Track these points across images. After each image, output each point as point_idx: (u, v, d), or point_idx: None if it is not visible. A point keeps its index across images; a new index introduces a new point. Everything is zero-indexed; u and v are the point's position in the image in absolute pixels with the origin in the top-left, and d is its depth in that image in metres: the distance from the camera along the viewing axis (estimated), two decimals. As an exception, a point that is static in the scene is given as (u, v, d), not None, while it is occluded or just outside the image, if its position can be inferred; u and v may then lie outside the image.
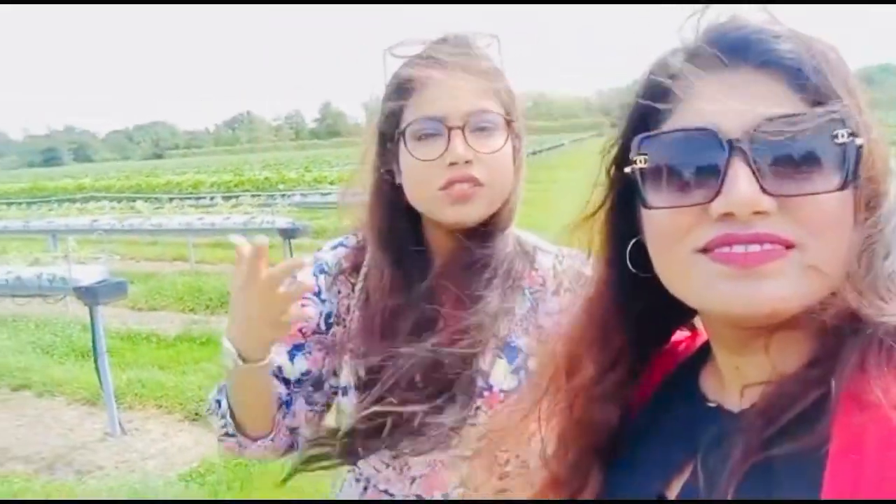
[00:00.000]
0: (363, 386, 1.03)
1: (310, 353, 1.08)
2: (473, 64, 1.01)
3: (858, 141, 0.51)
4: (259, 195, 12.54)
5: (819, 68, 0.52)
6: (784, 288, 0.50)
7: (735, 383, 0.59)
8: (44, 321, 6.55)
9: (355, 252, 1.11)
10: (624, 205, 0.61)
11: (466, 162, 0.98)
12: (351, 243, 1.13)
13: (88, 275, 4.18)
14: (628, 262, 0.62)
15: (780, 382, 0.53)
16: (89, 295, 4.01)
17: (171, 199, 11.74)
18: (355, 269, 1.10)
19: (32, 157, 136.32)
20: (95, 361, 4.04)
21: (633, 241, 0.61)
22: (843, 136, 0.50)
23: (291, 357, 1.08)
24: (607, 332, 0.66)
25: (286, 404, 1.06)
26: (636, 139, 0.57)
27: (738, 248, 0.51)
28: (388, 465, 1.06)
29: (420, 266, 1.05)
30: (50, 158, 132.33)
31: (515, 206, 1.08)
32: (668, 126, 0.56)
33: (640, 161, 0.56)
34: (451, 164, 0.98)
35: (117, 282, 4.14)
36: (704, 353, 0.66)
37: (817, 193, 0.50)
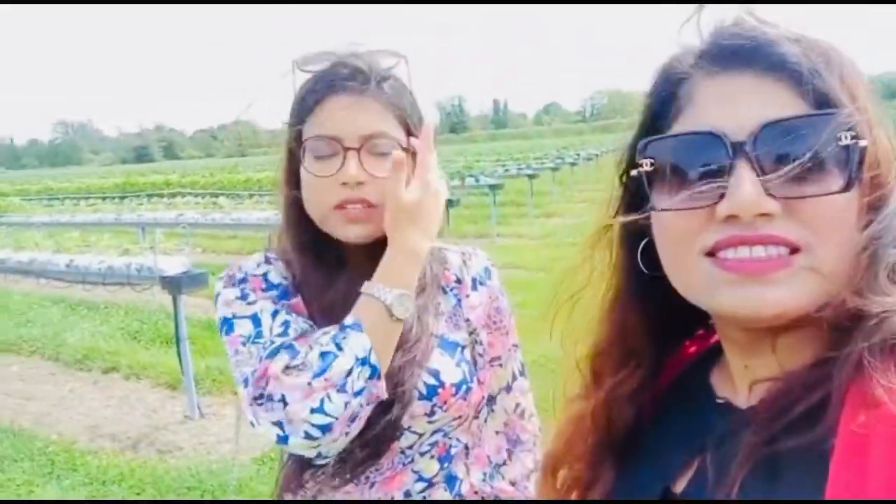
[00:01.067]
0: None
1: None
2: (375, 86, 1.02)
3: (862, 143, 0.51)
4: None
5: (823, 71, 0.52)
6: (788, 293, 0.51)
7: (744, 381, 0.60)
8: (132, 308, 6.94)
9: (282, 265, 1.08)
10: (636, 208, 0.62)
11: (359, 183, 0.99)
12: (272, 257, 1.10)
13: (173, 266, 4.43)
14: (640, 263, 0.63)
15: (787, 379, 0.53)
16: (173, 285, 4.24)
17: (250, 196, 12.19)
18: (283, 280, 1.07)
19: (125, 153, 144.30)
20: (177, 347, 4.27)
21: (644, 241, 0.62)
22: (846, 138, 0.50)
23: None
24: (626, 334, 0.67)
25: None
26: (642, 143, 0.58)
27: (743, 250, 0.52)
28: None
29: (341, 277, 1.05)
30: (141, 155, 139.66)
31: None
32: (674, 129, 0.57)
33: (646, 164, 0.57)
34: (344, 184, 0.99)
35: (199, 273, 4.35)
36: (717, 351, 0.66)
37: (822, 195, 0.50)
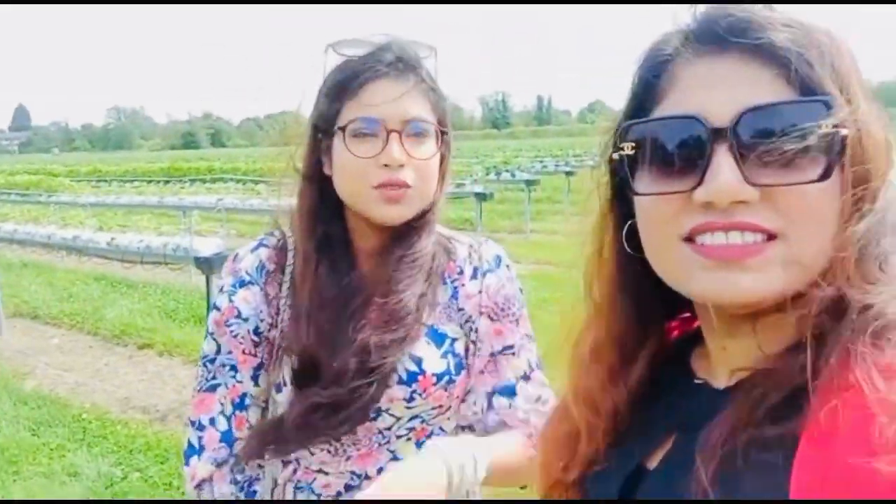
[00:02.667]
0: (297, 378, 1.04)
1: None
2: (414, 72, 1.06)
3: (844, 132, 0.50)
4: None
5: (810, 57, 0.51)
6: (762, 281, 0.51)
7: (722, 363, 0.60)
8: (169, 288, 7.13)
9: (277, 252, 1.11)
10: (622, 191, 0.62)
11: (400, 165, 1.02)
12: (271, 243, 1.13)
13: (207, 247, 4.56)
14: (625, 244, 0.63)
15: (766, 364, 0.53)
16: (206, 265, 4.35)
17: (279, 184, 12.38)
18: (281, 268, 1.10)
19: (174, 140, 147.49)
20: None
21: (629, 223, 0.62)
22: (828, 126, 0.50)
23: (256, 378, 1.09)
24: (615, 314, 0.67)
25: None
26: (624, 125, 0.58)
27: (719, 236, 0.51)
28: (322, 449, 1.08)
29: (346, 258, 1.08)
30: (189, 142, 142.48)
31: (439, 209, 1.13)
32: (658, 112, 0.57)
33: (628, 148, 0.57)
34: (386, 165, 1.02)
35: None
36: (698, 333, 0.66)
37: (799, 184, 0.50)
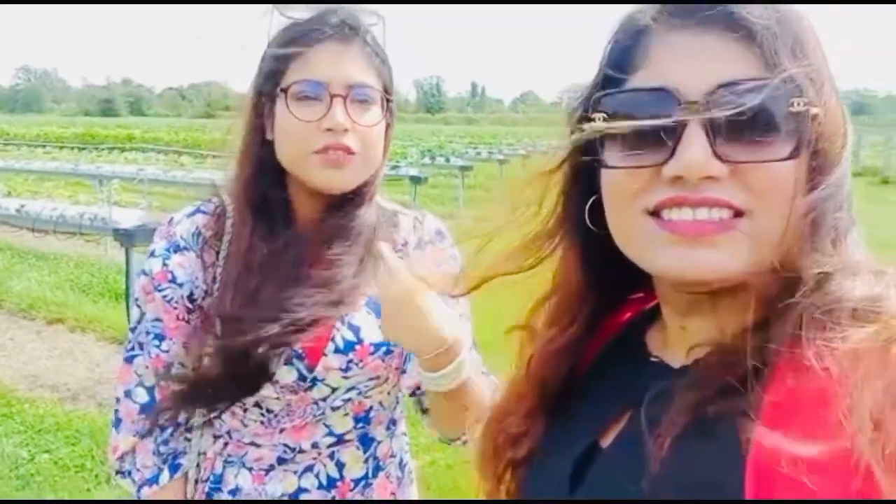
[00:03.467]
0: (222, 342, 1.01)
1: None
2: (360, 38, 1.04)
3: (814, 110, 0.50)
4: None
5: (784, 35, 0.51)
6: (728, 257, 0.51)
7: (679, 342, 0.60)
8: (83, 261, 6.77)
9: (215, 219, 1.08)
10: (585, 163, 0.61)
11: (344, 130, 1.00)
12: (209, 209, 1.10)
13: (127, 218, 4.32)
14: (587, 220, 0.62)
15: (723, 343, 0.54)
16: (126, 237, 4.13)
17: (215, 157, 11.97)
18: (217, 236, 1.07)
19: (89, 105, 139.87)
20: (127, 301, 4.18)
21: (592, 199, 0.61)
22: (798, 104, 0.50)
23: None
24: (569, 288, 0.66)
25: None
26: (596, 95, 0.57)
27: (686, 212, 0.51)
28: (255, 420, 1.06)
29: (284, 225, 1.05)
30: (106, 109, 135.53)
31: (379, 179, 1.11)
32: (630, 84, 0.56)
33: (598, 119, 0.56)
34: (328, 129, 0.99)
35: (154, 227, 4.25)
36: (654, 312, 0.66)
37: (769, 161, 0.50)
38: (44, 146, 16.72)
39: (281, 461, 1.08)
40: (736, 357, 0.51)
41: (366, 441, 1.12)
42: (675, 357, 0.60)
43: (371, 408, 1.11)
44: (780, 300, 0.50)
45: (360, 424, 1.10)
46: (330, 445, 1.09)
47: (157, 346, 1.07)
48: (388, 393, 1.12)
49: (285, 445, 1.07)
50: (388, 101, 1.07)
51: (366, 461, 1.12)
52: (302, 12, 1.05)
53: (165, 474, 1.08)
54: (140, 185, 7.70)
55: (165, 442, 1.09)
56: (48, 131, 25.87)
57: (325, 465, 1.10)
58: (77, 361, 4.52)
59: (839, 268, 0.50)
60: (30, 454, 3.27)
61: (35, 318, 5.30)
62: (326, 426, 1.08)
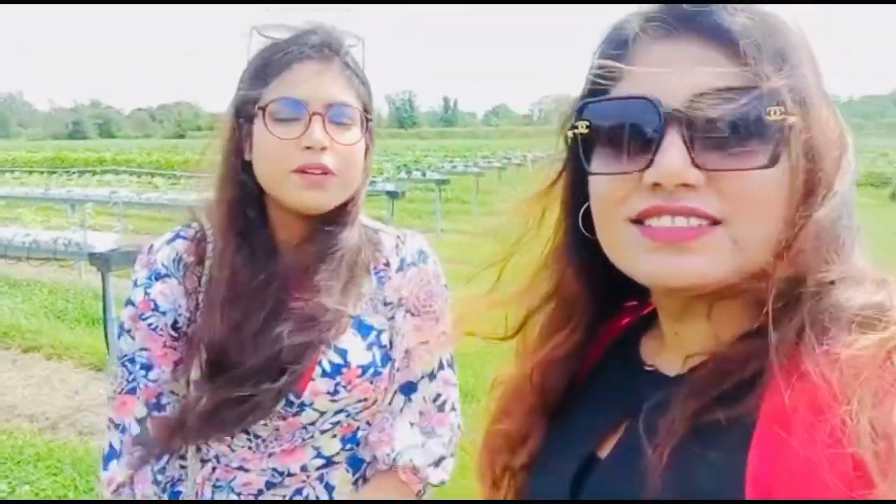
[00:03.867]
0: (207, 370, 1.01)
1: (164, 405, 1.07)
2: (339, 57, 1.04)
3: (791, 120, 0.51)
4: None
5: (765, 45, 0.52)
6: (706, 263, 0.52)
7: (674, 349, 0.61)
8: (57, 287, 6.65)
9: (196, 244, 1.07)
10: (578, 169, 0.62)
11: (322, 148, 1.00)
12: (189, 234, 1.09)
13: (103, 242, 4.26)
14: (581, 226, 0.63)
15: (719, 350, 0.54)
16: (102, 261, 4.07)
17: (189, 177, 11.86)
18: (200, 261, 1.06)
19: (57, 128, 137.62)
20: (105, 326, 4.11)
21: (585, 206, 0.62)
22: (775, 113, 0.50)
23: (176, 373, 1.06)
24: (568, 295, 0.67)
25: None
26: (580, 104, 0.58)
27: (666, 220, 0.52)
28: (243, 446, 1.05)
29: (265, 248, 1.04)
30: (74, 132, 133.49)
31: (362, 199, 1.11)
32: (614, 92, 0.57)
33: (582, 127, 0.57)
34: (307, 147, 0.99)
35: (130, 250, 4.19)
36: (648, 320, 0.67)
37: (744, 170, 0.51)
38: (12, 171, 16.41)
39: (270, 485, 1.06)
40: (732, 365, 0.52)
41: (355, 462, 1.11)
42: (670, 364, 0.60)
43: (359, 429, 1.10)
44: (777, 307, 0.50)
45: (349, 446, 1.09)
46: (319, 468, 1.08)
47: (145, 377, 1.05)
48: (376, 414, 1.11)
49: (274, 469, 1.06)
50: (367, 120, 1.07)
51: (355, 482, 1.10)
52: (282, 32, 1.05)
53: None
54: (114, 208, 7.59)
55: (162, 470, 1.07)
56: (16, 156, 25.39)
57: (314, 488, 1.08)
58: (55, 389, 4.42)
59: (841, 276, 0.51)
60: (10, 486, 3.18)
61: (10, 347, 5.18)
62: (315, 448, 1.07)
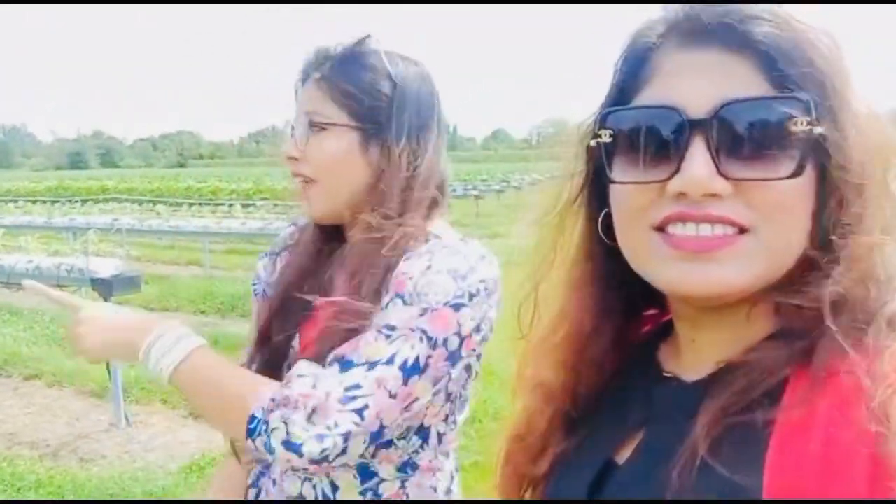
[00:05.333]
0: (255, 344, 1.13)
1: None
2: (322, 70, 1.09)
3: (819, 130, 0.50)
4: (278, 204, 12.67)
5: (792, 53, 0.51)
6: (732, 272, 0.51)
7: (691, 356, 0.60)
8: (59, 315, 6.62)
9: (300, 229, 1.21)
10: (598, 177, 0.61)
11: (293, 158, 1.08)
12: (300, 222, 1.23)
13: (105, 267, 4.28)
14: (600, 232, 0.62)
15: (738, 357, 0.54)
16: (105, 287, 4.09)
17: (190, 205, 11.92)
18: (298, 244, 1.20)
19: (59, 159, 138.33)
20: (106, 352, 4.10)
21: (604, 212, 0.61)
22: (801, 123, 0.50)
23: None
24: (590, 302, 0.66)
25: None
26: (603, 112, 0.57)
27: (691, 227, 0.52)
28: None
29: (317, 245, 1.14)
30: (76, 161, 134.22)
31: (413, 209, 1.05)
32: (638, 101, 0.56)
33: (606, 135, 0.56)
34: (287, 158, 1.09)
35: (132, 275, 4.22)
36: (666, 327, 0.67)
37: (770, 180, 0.50)
38: (15, 201, 16.50)
39: (294, 468, 1.06)
40: (752, 372, 0.52)
41: (365, 473, 1.07)
42: (689, 371, 0.60)
43: None
44: (800, 314, 0.51)
45: None
46: None
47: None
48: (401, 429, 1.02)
49: None
50: (349, 125, 1.05)
51: (363, 493, 1.07)
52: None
53: None
54: (116, 235, 7.63)
55: None
56: (19, 186, 25.58)
57: (321, 480, 1.07)
58: (56, 417, 4.40)
59: (870, 282, 0.51)
60: (10, 514, 3.17)
61: (11, 375, 5.16)
62: None
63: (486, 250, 1.04)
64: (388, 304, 0.98)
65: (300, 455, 0.90)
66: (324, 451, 0.90)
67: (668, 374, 0.62)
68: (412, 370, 0.93)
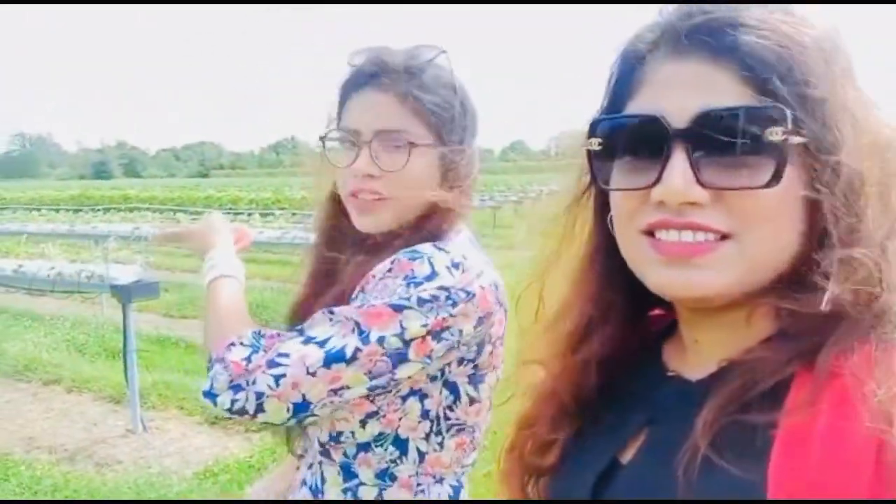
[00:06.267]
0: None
1: None
2: (394, 83, 1.05)
3: (796, 140, 0.51)
4: (296, 213, 12.76)
5: (775, 61, 0.51)
6: (714, 277, 0.53)
7: (695, 356, 0.61)
8: (79, 321, 6.73)
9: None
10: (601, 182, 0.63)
11: (370, 176, 1.05)
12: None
13: (125, 274, 4.34)
14: (611, 228, 0.63)
15: (741, 356, 0.54)
16: (124, 293, 4.14)
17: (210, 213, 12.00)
18: None
19: (84, 169, 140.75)
20: (124, 357, 4.15)
21: (610, 214, 0.62)
22: (777, 133, 0.50)
23: None
24: (599, 296, 0.67)
25: None
26: (593, 122, 0.59)
27: (673, 234, 0.53)
28: None
29: (339, 247, 1.14)
30: (100, 171, 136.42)
31: (445, 216, 1.08)
32: (627, 110, 0.58)
33: (595, 143, 0.58)
34: (356, 175, 1.07)
35: (151, 282, 4.26)
36: (670, 327, 0.68)
37: (746, 188, 0.51)
38: (39, 209, 16.81)
39: (306, 450, 1.17)
40: (752, 371, 0.52)
41: (347, 471, 1.09)
42: (692, 371, 0.61)
43: (341, 433, 1.06)
44: (801, 315, 0.51)
45: (334, 444, 1.08)
46: (320, 452, 1.11)
47: None
48: (367, 429, 1.05)
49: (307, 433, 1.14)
50: (429, 143, 1.07)
51: (344, 491, 1.09)
52: (358, 59, 1.10)
53: None
54: (136, 243, 7.71)
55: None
56: (43, 194, 26.07)
57: (314, 471, 1.13)
58: (74, 422, 4.45)
59: (872, 284, 0.50)
60: (27, 517, 3.20)
61: (31, 380, 5.23)
62: (314, 427, 1.10)
63: (471, 261, 1.02)
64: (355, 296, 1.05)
65: (215, 404, 1.00)
66: (236, 402, 0.98)
67: (672, 374, 0.63)
68: (336, 356, 0.96)
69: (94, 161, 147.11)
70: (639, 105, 0.57)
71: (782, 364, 0.51)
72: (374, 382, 0.98)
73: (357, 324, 0.97)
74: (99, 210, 15.39)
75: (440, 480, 1.11)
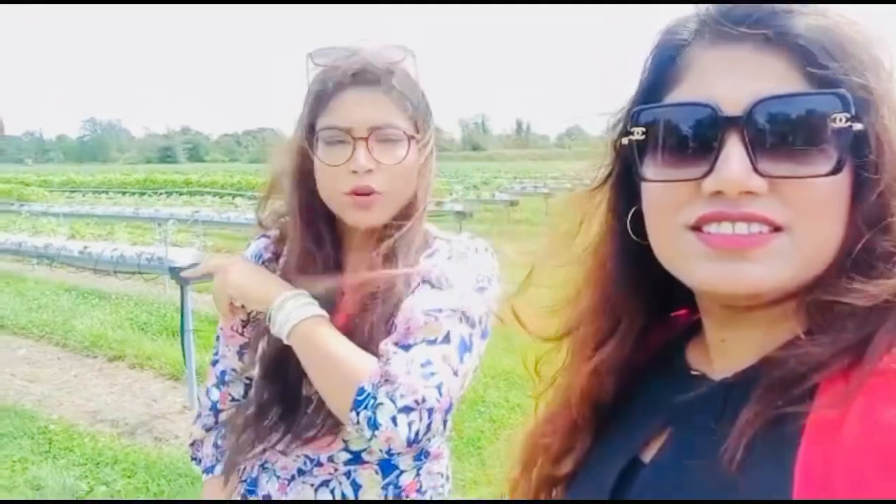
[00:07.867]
0: (264, 364, 1.10)
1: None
2: (381, 79, 1.06)
3: (857, 127, 0.49)
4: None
5: (830, 48, 0.50)
6: (766, 271, 0.50)
7: (720, 355, 0.59)
8: (142, 300, 7.01)
9: (275, 243, 1.19)
10: (627, 175, 0.61)
11: (368, 171, 1.04)
12: (273, 235, 1.20)
13: (183, 257, 4.49)
14: (629, 230, 0.61)
15: (767, 356, 0.53)
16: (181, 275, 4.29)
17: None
18: (276, 258, 1.17)
19: (150, 153, 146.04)
20: (181, 337, 4.30)
21: (633, 210, 0.61)
22: (840, 120, 0.48)
23: (241, 355, 1.20)
24: (613, 302, 0.66)
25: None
26: (636, 110, 0.57)
27: (726, 226, 0.51)
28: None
29: (332, 251, 1.12)
30: (165, 156, 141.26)
31: (420, 212, 1.12)
32: (671, 98, 0.55)
33: (638, 133, 0.56)
34: (354, 171, 1.04)
35: (207, 265, 4.39)
36: (695, 326, 0.66)
37: (808, 177, 0.49)
38: (107, 192, 17.55)
39: (301, 472, 1.12)
40: (785, 370, 0.50)
41: (387, 467, 1.11)
42: (717, 370, 0.59)
43: None
44: (831, 313, 0.49)
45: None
46: (347, 462, 1.10)
47: (216, 353, 1.23)
48: None
49: (306, 456, 1.11)
50: (416, 136, 1.09)
51: (384, 487, 1.11)
52: (329, 57, 1.09)
53: (219, 467, 1.20)
54: (195, 227, 7.98)
55: (223, 437, 1.20)
56: (111, 178, 27.19)
57: (340, 483, 1.10)
58: (135, 397, 4.65)
59: None
60: (89, 486, 3.37)
61: (97, 356, 5.49)
62: (343, 441, 1.09)
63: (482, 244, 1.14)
64: (414, 289, 1.05)
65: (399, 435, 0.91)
66: (416, 431, 0.91)
67: (696, 373, 0.61)
68: (464, 347, 0.99)
69: (160, 146, 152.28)
70: (684, 93, 0.54)
71: (813, 363, 0.49)
72: (475, 365, 1.03)
73: (463, 312, 1.01)
74: (162, 194, 15.96)
75: (446, 438, 1.18)
